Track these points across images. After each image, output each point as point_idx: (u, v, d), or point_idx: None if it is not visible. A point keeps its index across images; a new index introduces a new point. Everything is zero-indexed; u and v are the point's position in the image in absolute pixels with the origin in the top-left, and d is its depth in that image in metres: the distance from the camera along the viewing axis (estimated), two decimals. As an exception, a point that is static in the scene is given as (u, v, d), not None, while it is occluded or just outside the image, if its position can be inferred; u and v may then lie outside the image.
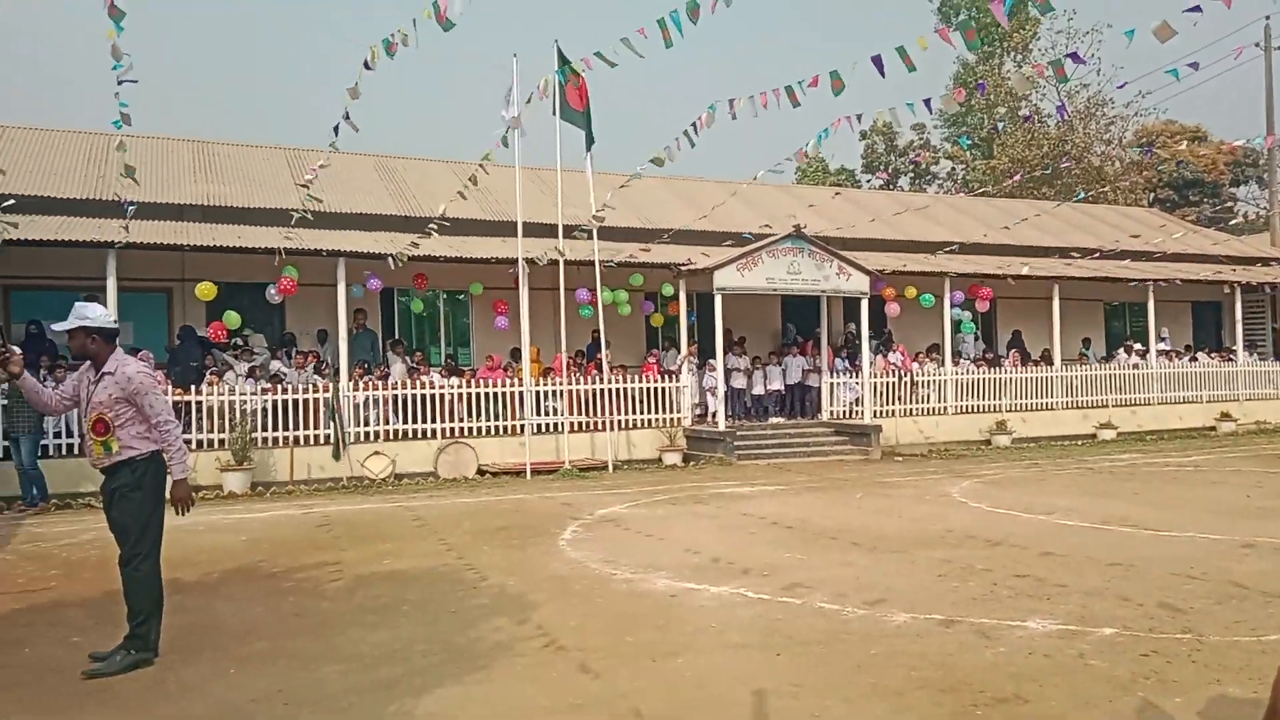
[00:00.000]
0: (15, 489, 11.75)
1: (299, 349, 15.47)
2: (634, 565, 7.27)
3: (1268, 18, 26.30)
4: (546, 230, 15.82)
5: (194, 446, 12.87)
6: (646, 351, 18.04)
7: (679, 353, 16.93)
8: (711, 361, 16.78)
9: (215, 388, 13.55)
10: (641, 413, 16.05)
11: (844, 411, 17.88)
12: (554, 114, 14.71)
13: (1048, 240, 23.10)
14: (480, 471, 14.36)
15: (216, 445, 13.23)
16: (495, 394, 15.16)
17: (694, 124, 12.04)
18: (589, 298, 15.51)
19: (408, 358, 15.93)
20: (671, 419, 16.21)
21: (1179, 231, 24.07)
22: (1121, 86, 26.85)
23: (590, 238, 15.45)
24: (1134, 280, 20.55)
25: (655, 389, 16.23)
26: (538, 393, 15.32)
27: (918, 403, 18.37)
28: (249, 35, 75.44)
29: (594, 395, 15.68)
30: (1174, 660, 4.62)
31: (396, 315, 17.44)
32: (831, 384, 17.93)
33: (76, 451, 12.42)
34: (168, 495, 5.11)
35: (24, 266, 13.85)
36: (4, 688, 4.60)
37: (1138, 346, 21.54)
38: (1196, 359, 21.73)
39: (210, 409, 13.35)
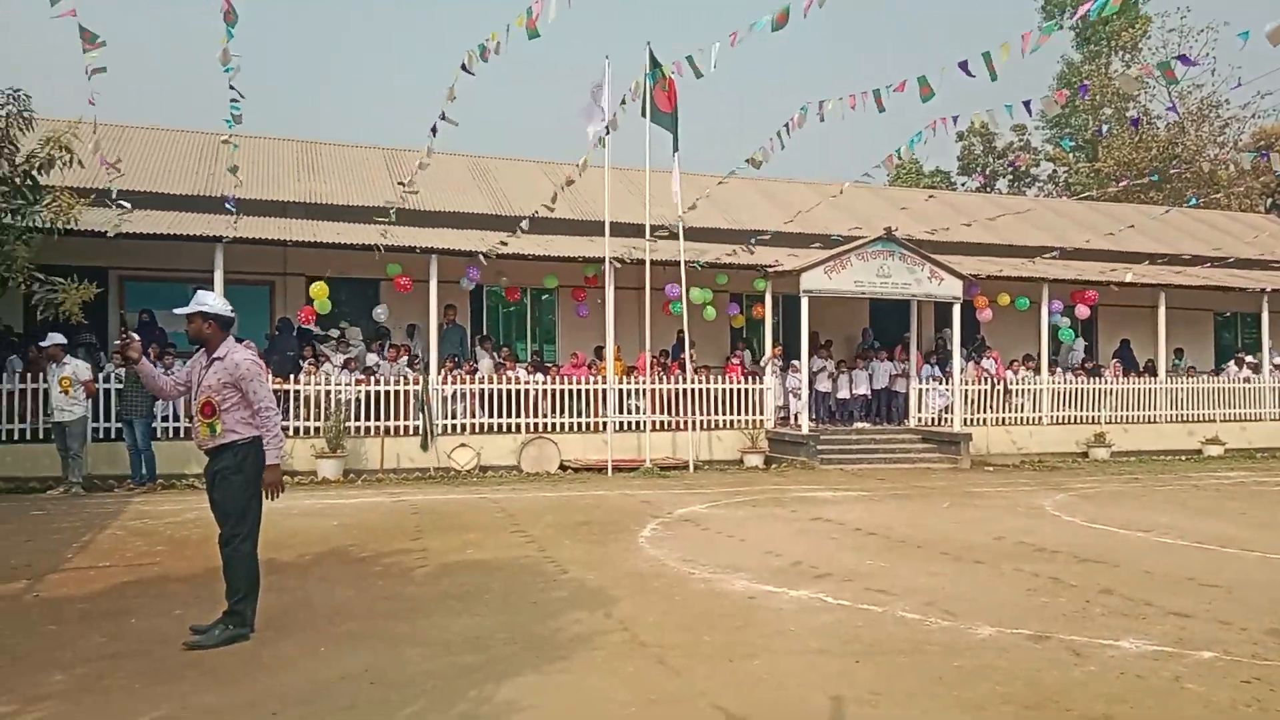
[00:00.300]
0: (125, 468, 12.40)
1: (392, 342, 15.93)
2: (713, 565, 7.27)
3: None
4: (633, 230, 15.92)
5: (291, 434, 13.38)
6: (730, 353, 17.98)
7: (750, 354, 16.86)
8: (795, 364, 16.62)
9: (313, 378, 14.05)
10: (724, 414, 16.00)
11: (933, 418, 17.49)
12: (643, 116, 14.82)
13: (1154, 246, 22.16)
14: (562, 467, 14.54)
15: (312, 433, 13.73)
16: (579, 391, 15.32)
17: (785, 125, 11.97)
18: (678, 294, 15.56)
19: (495, 353, 16.24)
20: (754, 421, 16.11)
21: (1298, 239, 22.79)
22: (1237, 87, 25.58)
23: (675, 237, 15.47)
24: (1247, 289, 19.54)
25: (738, 390, 16.16)
26: (621, 391, 15.42)
27: (1011, 411, 17.84)
28: (352, 40, 77.93)
29: (677, 395, 15.70)
30: (1278, 688, 4.39)
31: (485, 311, 17.78)
32: (920, 390, 17.56)
33: (182, 435, 13.05)
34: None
35: (138, 258, 14.61)
36: (112, 655, 4.87)
37: (1249, 359, 20.48)
38: (1315, 374, 20.54)
39: (308, 398, 13.85)
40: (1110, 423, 18.17)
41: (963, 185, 40.11)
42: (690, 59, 11.48)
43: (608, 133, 14.18)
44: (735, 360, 17.34)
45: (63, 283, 10.43)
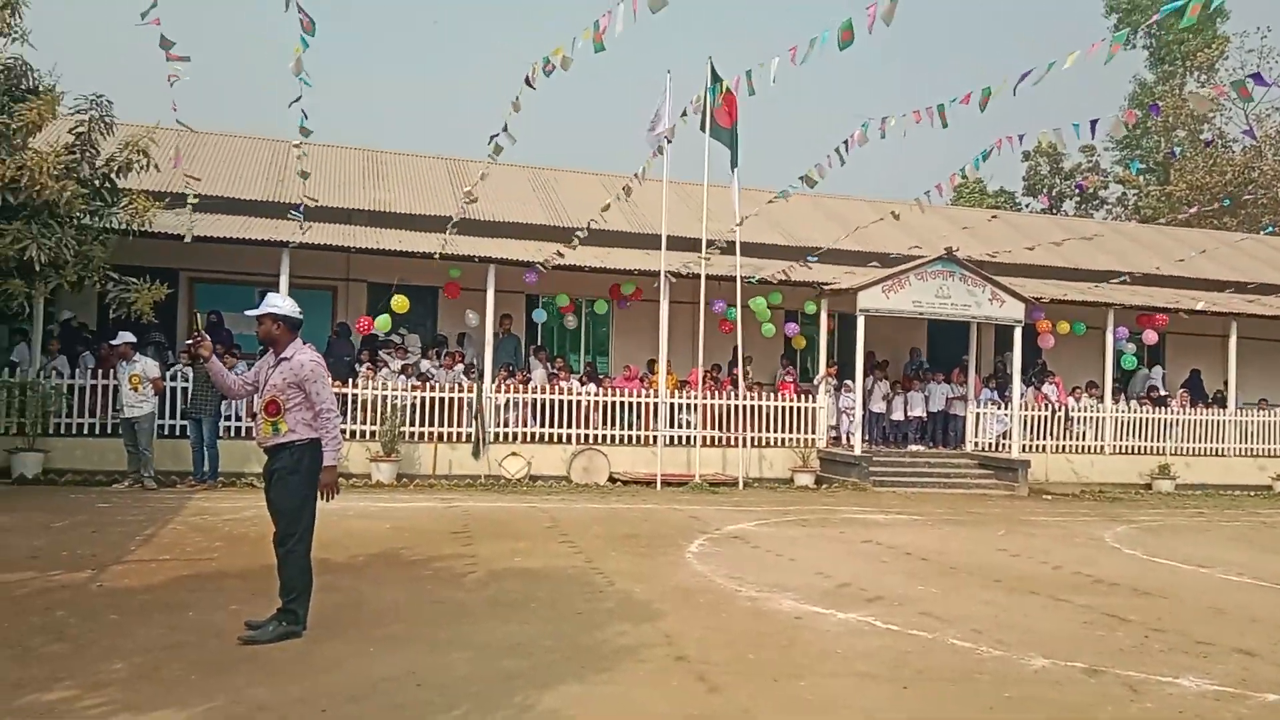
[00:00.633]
0: (188, 464, 12.74)
1: (449, 350, 16.16)
2: (760, 583, 7.21)
3: None
4: (689, 244, 15.94)
5: (349, 436, 13.63)
6: (781, 370, 17.86)
7: (796, 370, 16.73)
8: (849, 383, 16.45)
9: (370, 382, 14.30)
10: (775, 431, 15.89)
11: (990, 444, 17.15)
12: (702, 130, 14.85)
13: (1227, 274, 21.50)
14: (611, 479, 14.56)
15: (368, 436, 13.96)
16: (630, 403, 15.35)
17: (844, 142, 11.87)
18: (722, 309, 15.55)
19: (549, 364, 16.36)
20: (806, 439, 15.97)
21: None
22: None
23: (731, 252, 15.45)
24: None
25: (790, 408, 16.04)
26: (672, 405, 15.42)
27: (1072, 439, 17.41)
28: (419, 52, 79.49)
29: (728, 411, 15.64)
30: (1352, 737, 4.21)
31: (540, 321, 17.92)
32: (978, 414, 17.24)
33: (244, 434, 13.37)
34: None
35: (207, 261, 15.05)
36: (170, 646, 5.00)
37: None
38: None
39: (365, 402, 14.10)
40: (1176, 454, 17.62)
41: (1027, 206, 39.40)
42: (749, 74, 11.48)
43: (668, 142, 14.24)
44: (788, 378, 17.23)
45: (135, 283, 10.78)
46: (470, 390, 14.56)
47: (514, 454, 14.49)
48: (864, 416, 16.34)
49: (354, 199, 17.72)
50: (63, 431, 13.05)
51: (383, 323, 14.84)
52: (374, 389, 14.20)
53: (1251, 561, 9.27)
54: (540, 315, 16.71)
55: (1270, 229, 25.05)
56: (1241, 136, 33.56)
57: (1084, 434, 17.55)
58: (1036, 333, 17.28)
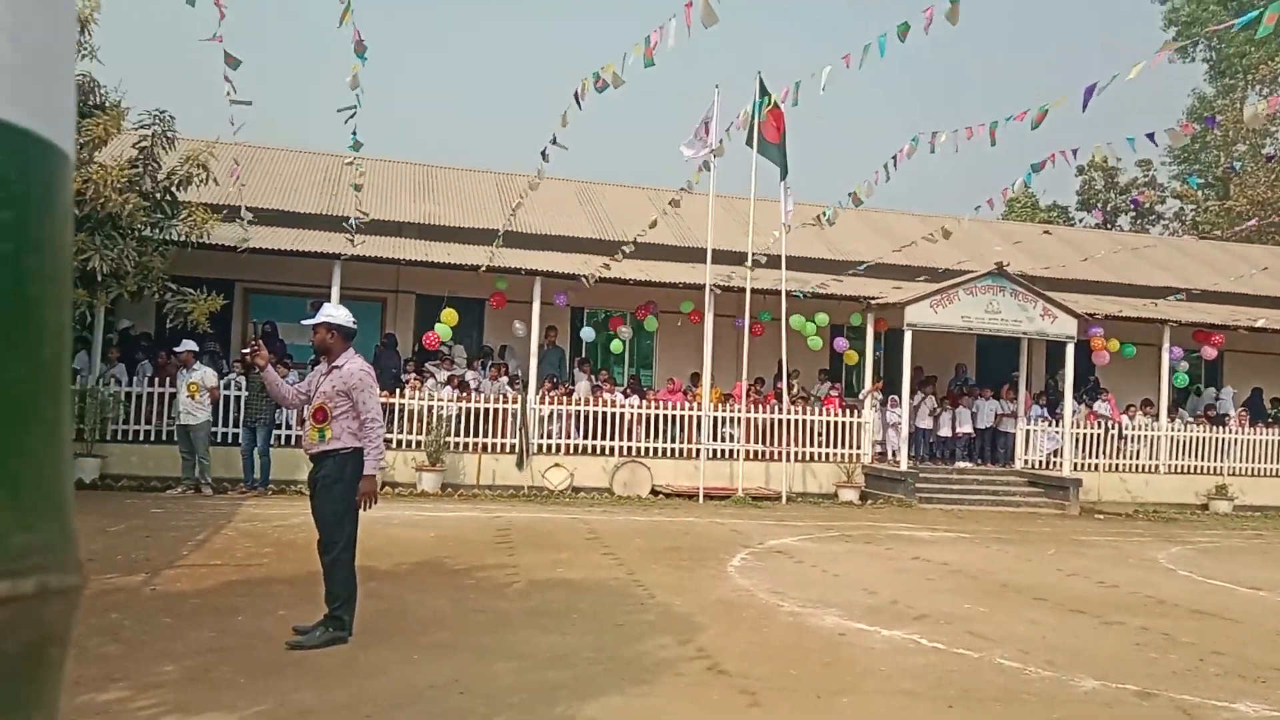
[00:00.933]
0: (239, 472, 13.01)
1: (494, 361, 16.32)
2: (803, 599, 7.15)
3: None
4: (734, 258, 15.92)
5: (395, 446, 13.81)
6: (826, 384, 17.72)
7: (831, 384, 16.62)
8: (895, 399, 16.27)
9: (417, 392, 14.49)
10: (820, 446, 15.77)
11: (1040, 462, 16.83)
12: (749, 145, 14.85)
13: (1289, 290, 20.89)
14: (654, 491, 14.56)
15: (414, 446, 14.12)
16: (674, 416, 15.35)
17: (893, 157, 11.78)
18: (742, 326, 15.58)
19: (593, 376, 16.42)
20: (851, 455, 15.82)
21: None
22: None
23: (776, 265, 15.40)
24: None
25: (835, 423, 15.91)
26: (715, 418, 15.38)
27: (1126, 458, 17.02)
28: (469, 67, 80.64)
29: (772, 424, 15.55)
30: None
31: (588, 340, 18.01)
32: (1028, 431, 16.93)
33: (294, 443, 13.61)
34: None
35: (262, 272, 15.38)
36: (219, 649, 5.10)
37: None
38: None
39: (411, 412, 14.28)
40: (1234, 475, 17.13)
41: (1081, 221, 38.71)
42: (797, 85, 11.46)
43: (713, 156, 14.26)
44: (833, 392, 17.09)
45: (193, 293, 11.08)
46: (515, 401, 14.67)
47: (557, 465, 14.56)
48: (910, 432, 16.14)
49: (404, 212, 18.00)
50: (120, 438, 13.39)
51: (444, 331, 15.05)
52: (420, 399, 14.38)
53: (1314, 587, 8.97)
54: (588, 334, 16.81)
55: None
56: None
57: (1138, 452, 17.15)
58: (1090, 349, 16.95)
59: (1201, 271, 21.25)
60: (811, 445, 15.73)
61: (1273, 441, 17.59)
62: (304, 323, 5.86)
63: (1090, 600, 7.70)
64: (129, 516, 9.98)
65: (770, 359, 16.74)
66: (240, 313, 16.37)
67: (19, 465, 0.38)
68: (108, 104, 11.89)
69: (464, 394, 14.75)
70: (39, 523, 0.38)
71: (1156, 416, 17.51)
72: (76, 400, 13.10)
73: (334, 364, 5.48)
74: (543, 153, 11.25)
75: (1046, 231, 17.85)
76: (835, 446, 15.83)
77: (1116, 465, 16.89)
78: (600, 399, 15.33)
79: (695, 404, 15.48)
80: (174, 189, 12.72)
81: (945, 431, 17.19)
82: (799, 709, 4.51)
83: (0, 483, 0.37)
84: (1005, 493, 15.71)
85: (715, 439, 15.27)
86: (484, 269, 14.79)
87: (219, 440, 13.60)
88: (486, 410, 14.59)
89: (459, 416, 14.50)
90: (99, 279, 10.82)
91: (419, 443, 14.10)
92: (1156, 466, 17.07)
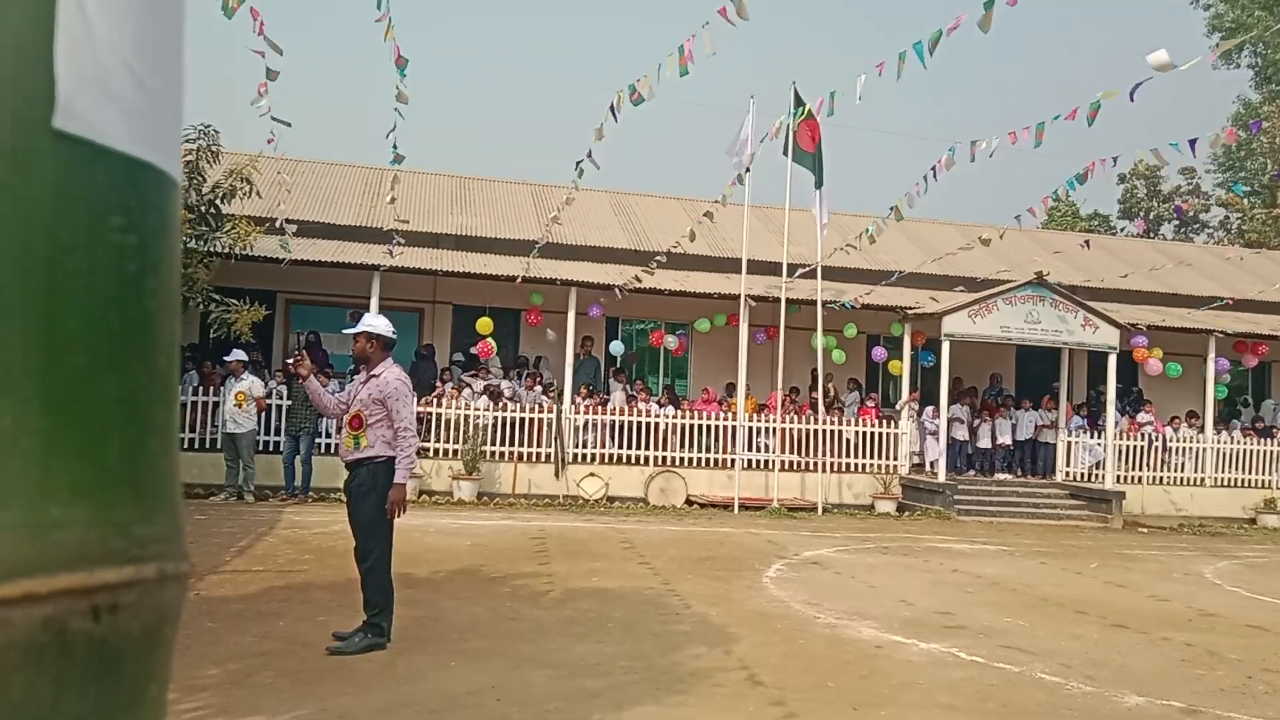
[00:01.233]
0: (280, 479, 13.20)
1: (529, 371, 16.42)
2: (839, 610, 7.11)
3: None
4: (769, 268, 15.89)
5: (432, 455, 13.94)
6: (865, 394, 17.60)
7: (860, 394, 16.50)
8: (933, 409, 16.11)
9: (454, 402, 14.62)
10: (856, 456, 15.66)
11: (1082, 474, 16.56)
12: (785, 154, 14.84)
13: (1340, 299, 20.36)
14: (688, 501, 14.54)
15: (451, 455, 14.24)
16: (709, 426, 15.33)
17: (933, 168, 11.71)
18: (763, 340, 15.54)
19: (628, 385, 16.46)
20: (888, 465, 15.69)
21: None
22: None
23: (813, 276, 15.34)
24: None
25: (872, 433, 15.79)
26: (751, 428, 15.34)
27: (1170, 471, 16.70)
28: (506, 79, 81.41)
29: (807, 435, 15.48)
30: None
31: (622, 345, 18.08)
32: (1069, 443, 16.67)
33: (333, 451, 13.79)
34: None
35: (303, 283, 15.63)
36: (261, 653, 5.19)
37: None
38: None
39: (448, 421, 14.41)
40: (1284, 488, 16.73)
41: (1123, 230, 38.10)
42: (832, 95, 11.43)
43: (747, 170, 14.27)
44: (870, 403, 16.97)
45: (236, 304, 11.28)
46: (550, 411, 14.75)
47: (592, 475, 14.59)
48: (948, 443, 15.97)
49: (441, 224, 18.20)
50: (166, 445, 13.62)
51: (488, 336, 15.23)
52: (457, 409, 14.50)
53: (1368, 604, 8.73)
54: (618, 348, 16.87)
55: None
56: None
57: (1183, 465, 16.82)
58: (1133, 360, 16.67)
59: (1247, 281, 20.80)
60: (848, 456, 15.62)
61: (1324, 454, 17.15)
62: (344, 332, 5.97)
63: (1134, 615, 7.56)
64: (173, 523, 10.14)
65: (805, 368, 16.67)
66: (282, 323, 16.63)
67: (140, 464, 0.42)
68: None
69: (499, 404, 14.85)
70: (156, 515, 0.43)
71: (1202, 428, 17.16)
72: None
73: (372, 372, 5.57)
74: (577, 165, 11.34)
75: (1086, 242, 17.52)
76: (872, 457, 15.71)
77: (1160, 478, 16.57)
78: (635, 409, 15.36)
79: (730, 414, 15.45)
80: (218, 202, 12.98)
81: (985, 443, 16.98)
82: (835, 721, 4.48)
83: (124, 479, 0.42)
84: (1046, 505, 15.48)
85: (750, 449, 15.22)
86: (519, 280, 14.91)
87: (261, 448, 13.81)
88: (522, 420, 14.68)
89: (495, 426, 14.60)
90: (146, 290, 11.07)
91: (455, 452, 14.22)
92: (1202, 479, 16.72)
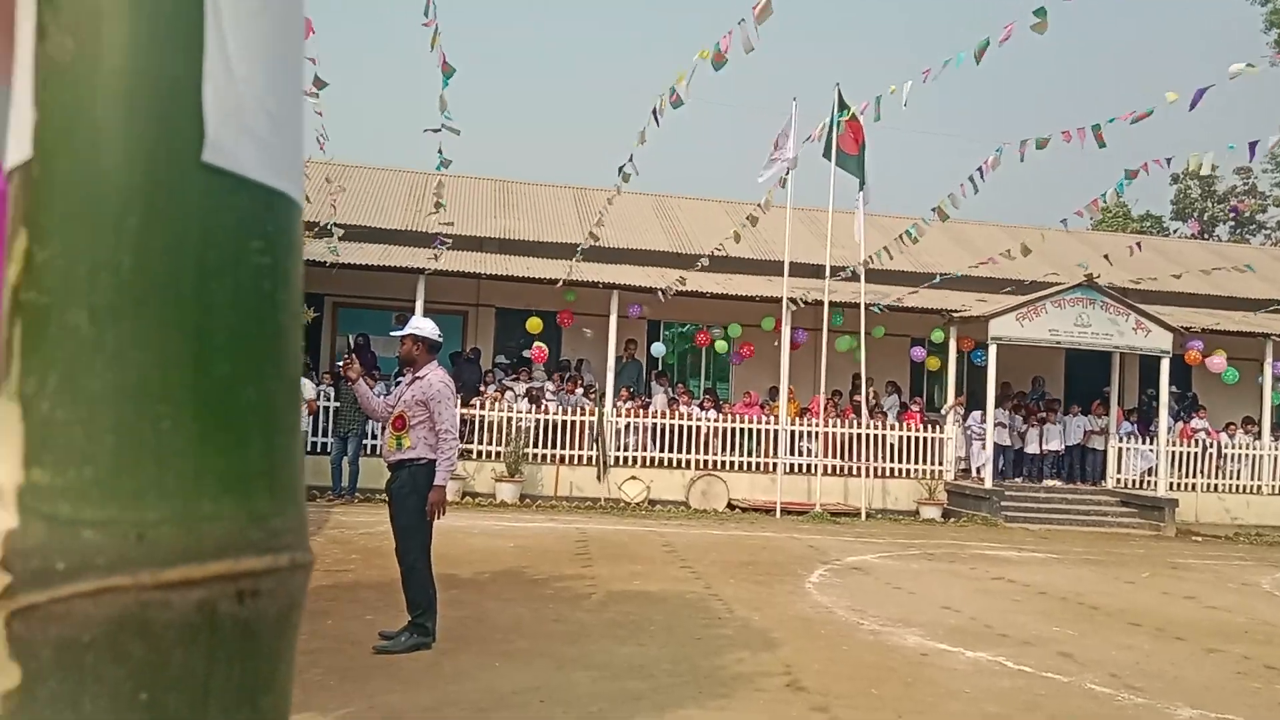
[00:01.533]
0: (327, 480, 13.41)
1: (571, 374, 16.50)
2: (883, 617, 7.04)
3: None
4: (812, 271, 15.81)
5: (475, 457, 14.08)
6: (910, 398, 17.42)
7: (892, 400, 16.31)
8: (979, 414, 15.89)
9: (496, 404, 14.74)
10: (900, 461, 15.50)
11: (1134, 481, 16.22)
12: (826, 157, 14.76)
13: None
14: (730, 505, 14.50)
15: (493, 457, 14.36)
16: (750, 430, 15.28)
17: (979, 169, 11.56)
18: (803, 341, 15.43)
19: (670, 389, 16.46)
20: (932, 471, 15.51)
21: None
22: None
23: (856, 279, 15.23)
24: None
25: (916, 438, 15.62)
26: (793, 432, 15.25)
27: (1225, 478, 16.29)
28: (549, 83, 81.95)
29: (851, 439, 15.35)
30: None
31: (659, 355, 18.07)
32: (1120, 449, 16.34)
33: (378, 452, 13.98)
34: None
35: (350, 287, 15.87)
36: (308, 652, 5.27)
37: None
38: None
39: (491, 423, 14.53)
40: (1346, 497, 16.23)
41: (1176, 231, 37.27)
42: (878, 100, 11.35)
43: (788, 173, 14.21)
44: (915, 407, 16.79)
45: (285, 307, 11.48)
46: (592, 414, 14.80)
47: (633, 478, 14.62)
48: (995, 449, 15.74)
49: (485, 227, 18.38)
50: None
51: (542, 346, 15.38)
52: (499, 411, 14.62)
53: None
54: (659, 349, 16.88)
55: None
56: None
57: (1238, 472, 16.39)
58: (1186, 364, 16.29)
59: (1308, 283, 20.23)
60: (891, 461, 15.47)
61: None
62: (392, 334, 6.07)
63: (1188, 625, 7.40)
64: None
65: (847, 372, 16.54)
66: (329, 326, 16.90)
67: (275, 462, 0.47)
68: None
69: (540, 406, 14.94)
70: (288, 509, 0.48)
71: (1259, 434, 16.71)
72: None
73: (417, 374, 5.65)
74: (620, 170, 11.37)
75: (1136, 244, 17.14)
76: (916, 462, 15.54)
77: (1215, 485, 16.18)
78: (677, 412, 15.36)
79: (772, 417, 15.38)
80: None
81: (1033, 448, 16.70)
82: (880, 728, 4.45)
83: (263, 476, 0.47)
84: (1096, 512, 15.19)
85: (792, 453, 15.14)
86: (561, 283, 14.99)
87: (309, 450, 14.05)
88: (564, 422, 14.76)
89: (537, 428, 14.69)
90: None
91: (498, 454, 14.33)
92: (1258, 487, 16.29)
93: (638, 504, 14.33)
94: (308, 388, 13.09)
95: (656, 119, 9.84)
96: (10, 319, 0.45)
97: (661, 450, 15.02)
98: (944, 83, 9.55)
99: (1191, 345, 16.08)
